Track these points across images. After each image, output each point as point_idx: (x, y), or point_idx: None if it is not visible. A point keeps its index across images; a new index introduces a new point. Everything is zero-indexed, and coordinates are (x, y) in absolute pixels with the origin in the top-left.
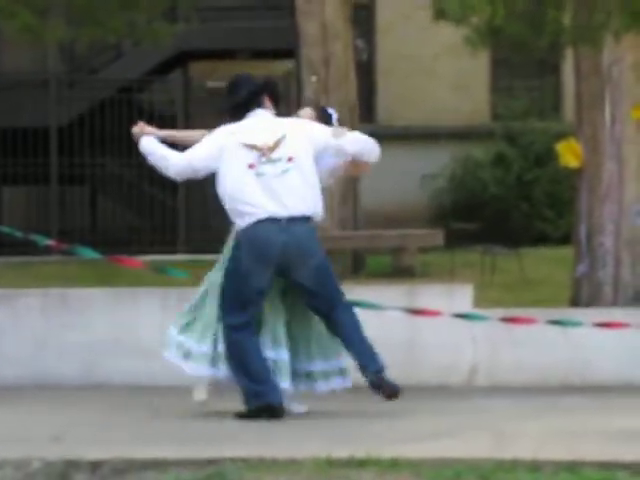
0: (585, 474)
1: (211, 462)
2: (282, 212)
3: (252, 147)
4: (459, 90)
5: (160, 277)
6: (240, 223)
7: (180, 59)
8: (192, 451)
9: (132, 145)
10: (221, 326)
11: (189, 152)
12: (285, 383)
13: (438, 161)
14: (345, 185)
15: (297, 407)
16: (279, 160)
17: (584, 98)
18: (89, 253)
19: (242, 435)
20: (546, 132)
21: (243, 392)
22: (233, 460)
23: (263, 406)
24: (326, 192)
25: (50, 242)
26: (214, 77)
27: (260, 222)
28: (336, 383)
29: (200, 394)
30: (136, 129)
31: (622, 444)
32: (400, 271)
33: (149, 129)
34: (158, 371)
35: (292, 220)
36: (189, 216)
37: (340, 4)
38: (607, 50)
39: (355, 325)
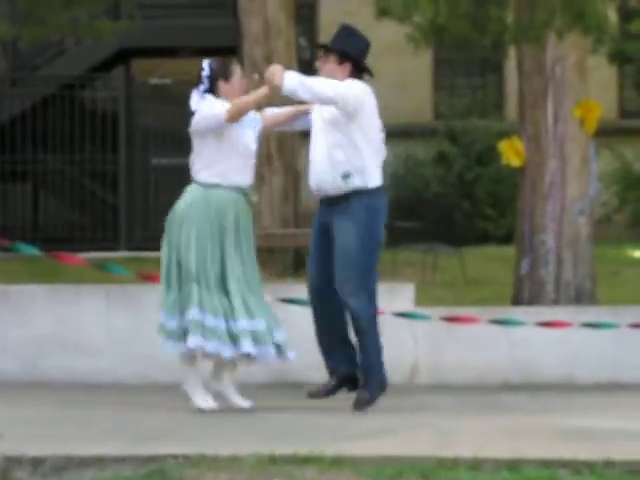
0: (526, 472)
1: (151, 459)
2: None
3: None
4: (401, 88)
5: (102, 274)
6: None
7: (122, 56)
8: (132, 448)
9: (74, 142)
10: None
11: None
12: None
13: None
14: (286, 183)
15: (242, 402)
16: None
17: (527, 96)
18: (30, 250)
19: (183, 431)
20: (488, 131)
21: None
22: (174, 457)
23: None
24: (267, 189)
25: None
26: (156, 74)
27: None
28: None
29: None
30: None
31: (563, 442)
32: None
33: None
34: (100, 368)
35: None
36: (130, 213)
37: (283, 2)
38: (550, 48)
39: None
